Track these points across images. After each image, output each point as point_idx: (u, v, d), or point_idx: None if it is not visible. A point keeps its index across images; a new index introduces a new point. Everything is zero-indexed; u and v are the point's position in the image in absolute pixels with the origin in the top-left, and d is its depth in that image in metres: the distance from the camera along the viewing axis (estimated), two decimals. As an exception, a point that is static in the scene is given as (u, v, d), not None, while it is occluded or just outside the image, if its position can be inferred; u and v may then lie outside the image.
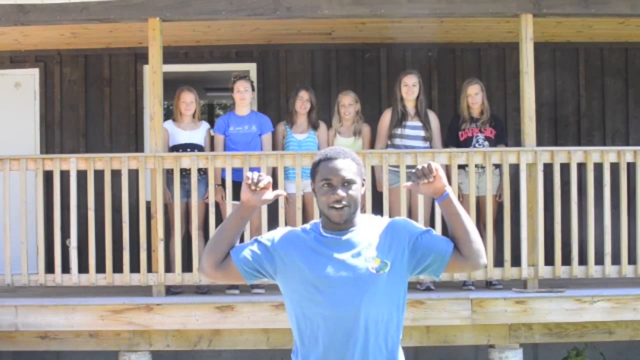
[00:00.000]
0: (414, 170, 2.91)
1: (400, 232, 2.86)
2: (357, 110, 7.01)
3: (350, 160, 2.82)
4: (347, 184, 2.79)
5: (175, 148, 6.84)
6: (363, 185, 2.87)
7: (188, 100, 6.93)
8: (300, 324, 2.84)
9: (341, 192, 2.77)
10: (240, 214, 2.91)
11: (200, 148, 6.87)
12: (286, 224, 6.54)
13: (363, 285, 2.77)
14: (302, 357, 2.84)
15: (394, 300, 2.81)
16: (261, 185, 2.86)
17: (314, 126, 7.02)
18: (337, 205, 2.78)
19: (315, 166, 2.86)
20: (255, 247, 2.89)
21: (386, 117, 6.96)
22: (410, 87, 6.87)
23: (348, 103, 6.96)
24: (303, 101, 6.99)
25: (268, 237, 2.92)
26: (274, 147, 6.97)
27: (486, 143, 6.90)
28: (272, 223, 6.47)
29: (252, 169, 6.51)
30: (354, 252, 2.81)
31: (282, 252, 2.86)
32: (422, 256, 2.85)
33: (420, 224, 2.96)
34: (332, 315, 2.76)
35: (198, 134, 6.95)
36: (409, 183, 2.93)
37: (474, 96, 6.93)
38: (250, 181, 2.86)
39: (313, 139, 6.99)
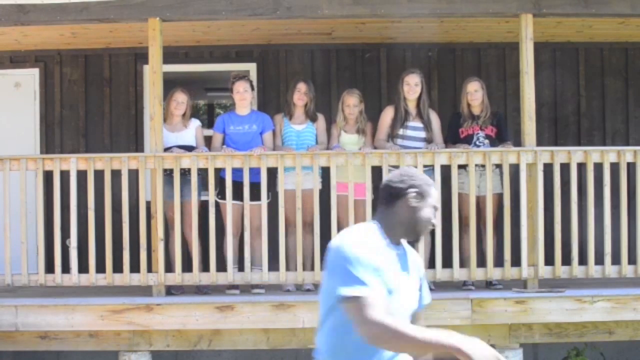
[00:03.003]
0: None
1: (419, 263, 3.13)
2: (361, 110, 7.00)
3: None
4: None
5: (165, 150, 6.80)
6: None
7: (179, 100, 6.92)
8: None
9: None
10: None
11: (190, 149, 6.85)
12: (286, 224, 6.54)
13: (413, 297, 3.02)
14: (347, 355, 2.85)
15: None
16: None
17: (312, 119, 7.02)
18: (430, 228, 3.05)
19: (429, 188, 3.02)
20: (377, 280, 2.78)
21: (388, 113, 6.96)
22: (412, 86, 6.87)
23: (353, 104, 6.95)
24: (301, 94, 6.99)
25: (371, 263, 2.79)
26: (274, 136, 6.98)
27: (486, 141, 6.90)
28: (272, 223, 6.48)
29: (252, 169, 6.52)
30: (408, 266, 3.03)
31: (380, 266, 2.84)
32: None
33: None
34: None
35: (187, 134, 6.94)
36: None
37: (474, 93, 6.93)
38: None
39: (311, 130, 7.00)
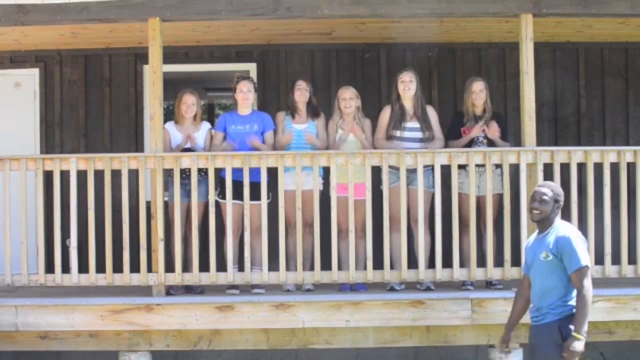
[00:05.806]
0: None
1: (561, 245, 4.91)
2: (358, 106, 7.00)
3: (547, 188, 5.07)
4: (541, 200, 5.00)
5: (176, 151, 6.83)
6: (556, 206, 5.03)
7: (189, 102, 6.94)
8: None
9: (535, 204, 5.03)
10: None
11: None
12: (286, 224, 6.54)
13: (539, 267, 5.03)
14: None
15: (556, 276, 4.97)
16: None
17: (315, 114, 7.03)
18: (534, 211, 5.03)
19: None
20: None
21: (386, 112, 6.97)
22: (407, 82, 6.87)
23: (349, 97, 6.95)
24: (301, 89, 7.01)
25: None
26: (274, 135, 6.99)
27: (486, 141, 6.91)
28: (273, 223, 6.48)
29: (252, 169, 6.52)
30: (543, 246, 4.99)
31: None
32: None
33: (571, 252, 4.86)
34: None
35: (198, 135, 6.95)
36: None
37: (478, 93, 6.95)
38: None
39: (313, 129, 7.00)
